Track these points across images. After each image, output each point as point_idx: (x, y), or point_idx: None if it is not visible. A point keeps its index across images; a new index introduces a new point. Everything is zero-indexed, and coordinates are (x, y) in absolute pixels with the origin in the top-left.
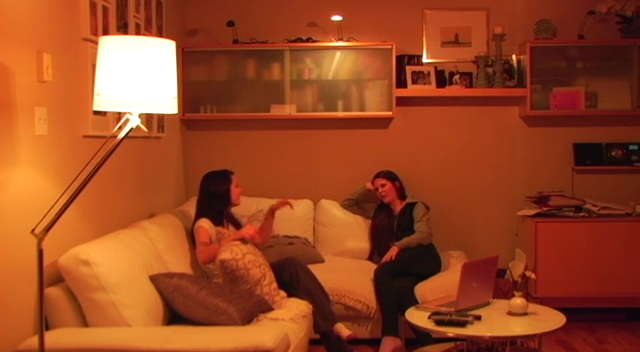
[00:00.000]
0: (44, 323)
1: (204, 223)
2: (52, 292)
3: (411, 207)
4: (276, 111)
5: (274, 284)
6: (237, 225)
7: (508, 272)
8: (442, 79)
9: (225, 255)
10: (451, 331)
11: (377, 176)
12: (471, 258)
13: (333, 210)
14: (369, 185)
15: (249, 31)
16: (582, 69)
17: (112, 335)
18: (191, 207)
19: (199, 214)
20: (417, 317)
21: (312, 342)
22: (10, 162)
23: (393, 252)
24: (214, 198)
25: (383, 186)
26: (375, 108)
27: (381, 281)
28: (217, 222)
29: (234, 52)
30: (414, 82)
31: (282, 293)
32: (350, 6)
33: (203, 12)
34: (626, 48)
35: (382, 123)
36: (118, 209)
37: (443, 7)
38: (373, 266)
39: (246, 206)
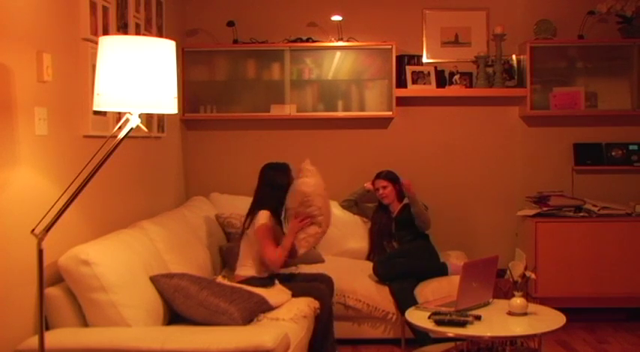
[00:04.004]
0: (44, 323)
1: (267, 219)
2: (52, 292)
3: (409, 207)
4: (276, 111)
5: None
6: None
7: (508, 272)
8: (442, 79)
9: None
10: (451, 331)
11: (377, 177)
12: (471, 258)
13: (332, 210)
14: (368, 185)
15: (249, 31)
16: (582, 69)
17: (112, 335)
18: (191, 207)
19: (260, 206)
20: (417, 317)
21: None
22: (10, 162)
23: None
24: (277, 190)
25: (384, 188)
26: (375, 108)
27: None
28: (277, 213)
29: (234, 52)
30: (414, 82)
31: (285, 290)
32: (350, 6)
33: (203, 12)
34: (626, 48)
35: (382, 123)
36: (118, 209)
37: (443, 7)
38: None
39: (246, 206)
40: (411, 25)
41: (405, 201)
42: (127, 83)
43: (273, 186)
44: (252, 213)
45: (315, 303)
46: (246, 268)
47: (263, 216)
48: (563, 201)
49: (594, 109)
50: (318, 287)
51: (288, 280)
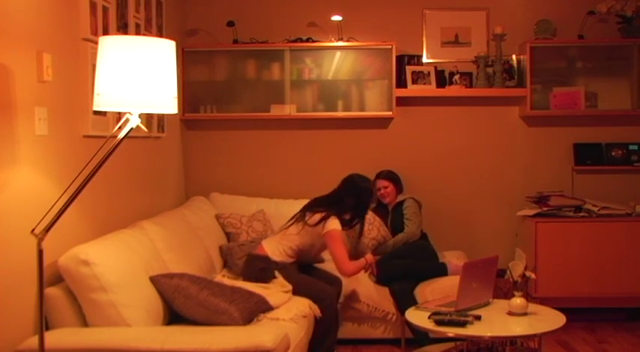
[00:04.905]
0: (44, 323)
1: (339, 226)
2: (52, 292)
3: (400, 205)
4: (276, 111)
5: None
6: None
7: (508, 272)
8: (442, 79)
9: None
10: (451, 331)
11: (378, 176)
12: (471, 258)
13: None
14: None
15: (249, 31)
16: (582, 69)
17: (112, 335)
18: (191, 207)
19: (334, 211)
20: (417, 317)
21: None
22: (10, 162)
23: (369, 260)
24: (359, 201)
25: (385, 188)
26: (375, 108)
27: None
28: (348, 225)
29: (234, 52)
30: (414, 82)
31: (288, 286)
32: (350, 6)
33: (203, 12)
34: (626, 48)
35: (382, 123)
36: (118, 209)
37: (443, 7)
38: None
39: (247, 206)
40: (411, 25)
41: (399, 199)
42: (127, 83)
43: (356, 196)
44: (327, 211)
45: (315, 307)
46: (278, 252)
47: (336, 223)
48: (563, 201)
49: (594, 109)
50: (324, 288)
51: (306, 270)
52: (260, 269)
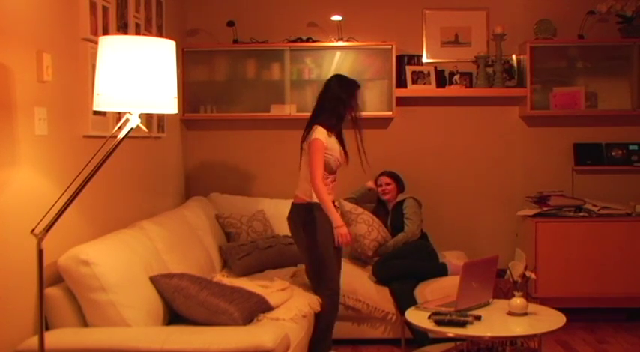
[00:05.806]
0: (44, 323)
1: (321, 135)
2: (52, 292)
3: (400, 204)
4: (276, 111)
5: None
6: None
7: (508, 272)
8: (442, 79)
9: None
10: (451, 331)
11: (382, 174)
12: (471, 258)
13: None
14: (370, 184)
15: (249, 31)
16: (582, 69)
17: (112, 335)
18: (191, 207)
19: (317, 119)
20: (417, 317)
21: None
22: (10, 162)
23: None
24: (339, 101)
25: (388, 184)
26: (375, 108)
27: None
28: (338, 126)
29: (234, 52)
30: (414, 82)
31: (286, 284)
32: (350, 6)
33: (203, 12)
34: (626, 48)
35: (382, 123)
36: (118, 209)
37: (443, 7)
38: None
39: (247, 206)
40: (411, 25)
41: (398, 199)
42: (127, 83)
43: (335, 99)
44: (309, 126)
45: (315, 303)
46: (310, 193)
47: (319, 131)
48: (563, 201)
49: (594, 109)
50: (334, 274)
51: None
52: (304, 217)
